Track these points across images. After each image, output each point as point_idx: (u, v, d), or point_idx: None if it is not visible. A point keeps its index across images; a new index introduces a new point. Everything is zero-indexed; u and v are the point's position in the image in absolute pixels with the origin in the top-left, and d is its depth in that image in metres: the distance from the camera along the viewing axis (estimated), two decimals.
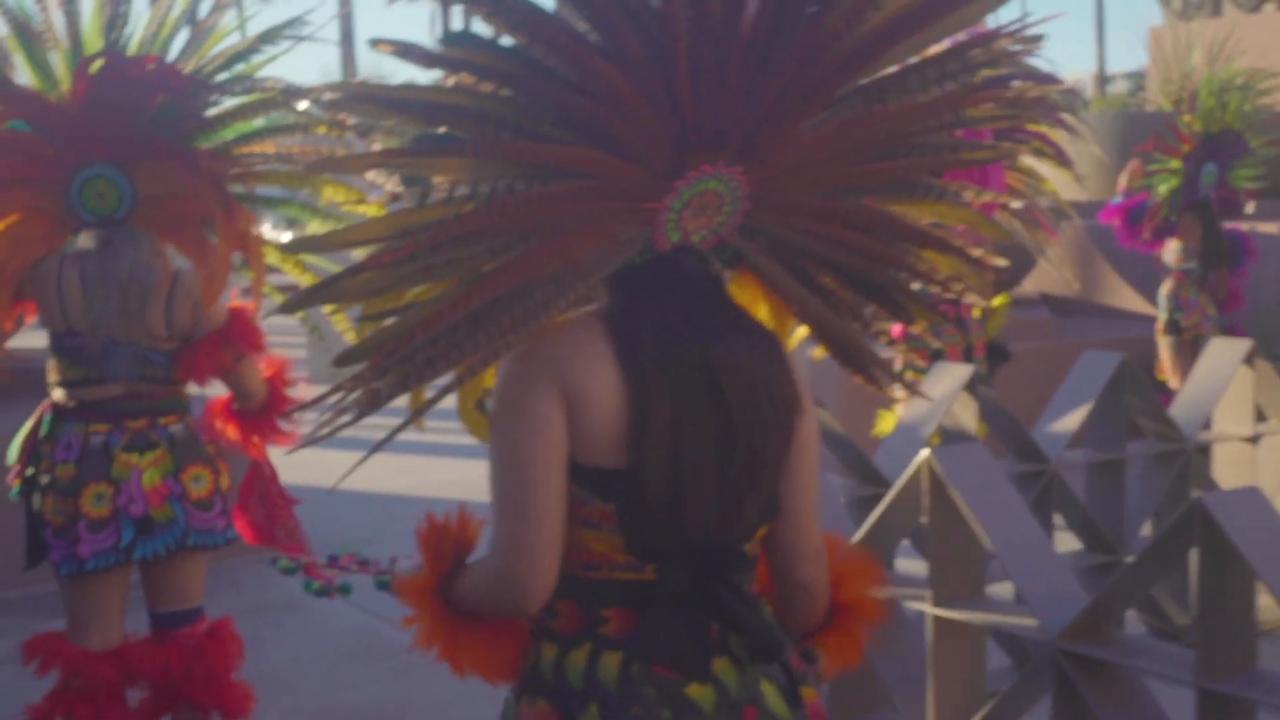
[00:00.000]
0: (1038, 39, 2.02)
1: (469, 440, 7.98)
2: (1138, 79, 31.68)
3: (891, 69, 1.96)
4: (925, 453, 3.55)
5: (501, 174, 1.84)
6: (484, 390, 2.04)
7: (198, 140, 3.74)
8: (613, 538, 1.93)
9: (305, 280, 4.02)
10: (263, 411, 3.92)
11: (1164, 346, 7.61)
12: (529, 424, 1.90)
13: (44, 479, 3.69)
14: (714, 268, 2.05)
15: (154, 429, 3.74)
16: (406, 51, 1.79)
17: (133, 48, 3.76)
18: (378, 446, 1.91)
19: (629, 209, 1.91)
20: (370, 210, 3.85)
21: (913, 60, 1.97)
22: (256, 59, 3.77)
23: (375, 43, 1.76)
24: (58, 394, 3.76)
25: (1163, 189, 7.42)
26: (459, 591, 2.01)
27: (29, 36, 3.71)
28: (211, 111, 3.76)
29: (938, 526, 3.49)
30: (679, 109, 1.86)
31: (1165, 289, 7.59)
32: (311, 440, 1.92)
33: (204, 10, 3.87)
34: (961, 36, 2.04)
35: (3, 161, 3.65)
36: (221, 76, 3.79)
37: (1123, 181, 7.85)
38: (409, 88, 1.82)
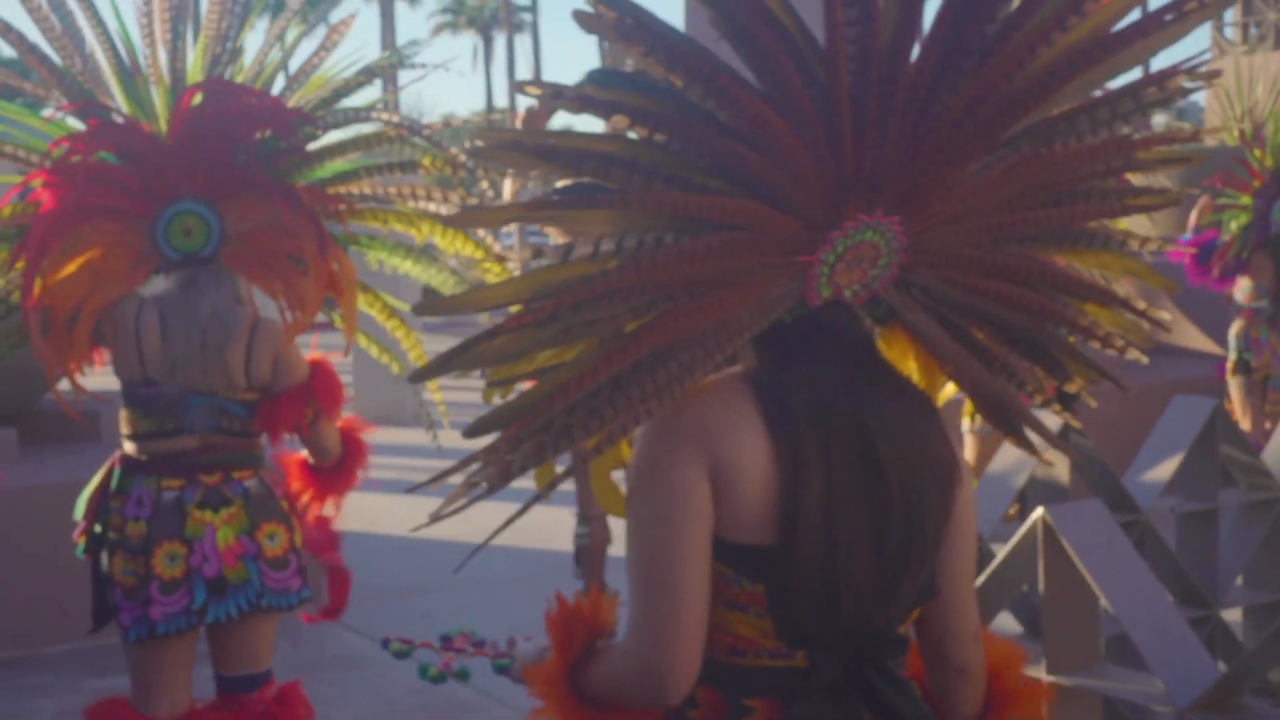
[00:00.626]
0: (1215, 75, 1.86)
1: (520, 484, 7.74)
2: (1189, 113, 31.45)
3: (1058, 109, 1.80)
4: (1040, 511, 3.36)
5: (650, 226, 1.69)
6: (619, 460, 1.89)
7: (295, 176, 3.61)
8: (760, 621, 1.78)
9: (390, 326, 3.89)
10: (338, 469, 3.75)
11: (1234, 387, 7.42)
12: (672, 497, 1.74)
13: (113, 536, 3.53)
14: (864, 325, 1.89)
15: (228, 484, 3.57)
16: (558, 94, 1.65)
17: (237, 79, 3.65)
18: (522, 511, 1.76)
19: (781, 263, 1.76)
20: (470, 250, 3.76)
21: (1080, 100, 1.81)
22: (361, 95, 3.68)
23: (523, 85, 1.62)
24: (129, 446, 3.60)
25: (1233, 225, 7.26)
26: (592, 680, 1.86)
27: (130, 71, 3.58)
28: (312, 146, 3.63)
29: (1052, 588, 3.30)
30: (838, 156, 1.71)
31: (1235, 328, 7.42)
32: (437, 518, 1.77)
33: (308, 49, 3.78)
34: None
35: (90, 191, 3.48)
36: (323, 113, 3.68)
37: (1193, 218, 7.67)
38: (557, 134, 1.68)
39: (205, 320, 3.51)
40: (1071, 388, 2.01)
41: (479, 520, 7.88)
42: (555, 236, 5.73)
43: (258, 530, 3.57)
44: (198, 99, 3.52)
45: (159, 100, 3.60)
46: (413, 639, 2.29)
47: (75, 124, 3.64)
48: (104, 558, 3.56)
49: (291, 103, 3.69)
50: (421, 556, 7.42)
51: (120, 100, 3.61)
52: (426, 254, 3.83)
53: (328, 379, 3.70)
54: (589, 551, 5.84)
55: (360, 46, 4.11)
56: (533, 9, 59.33)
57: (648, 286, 1.68)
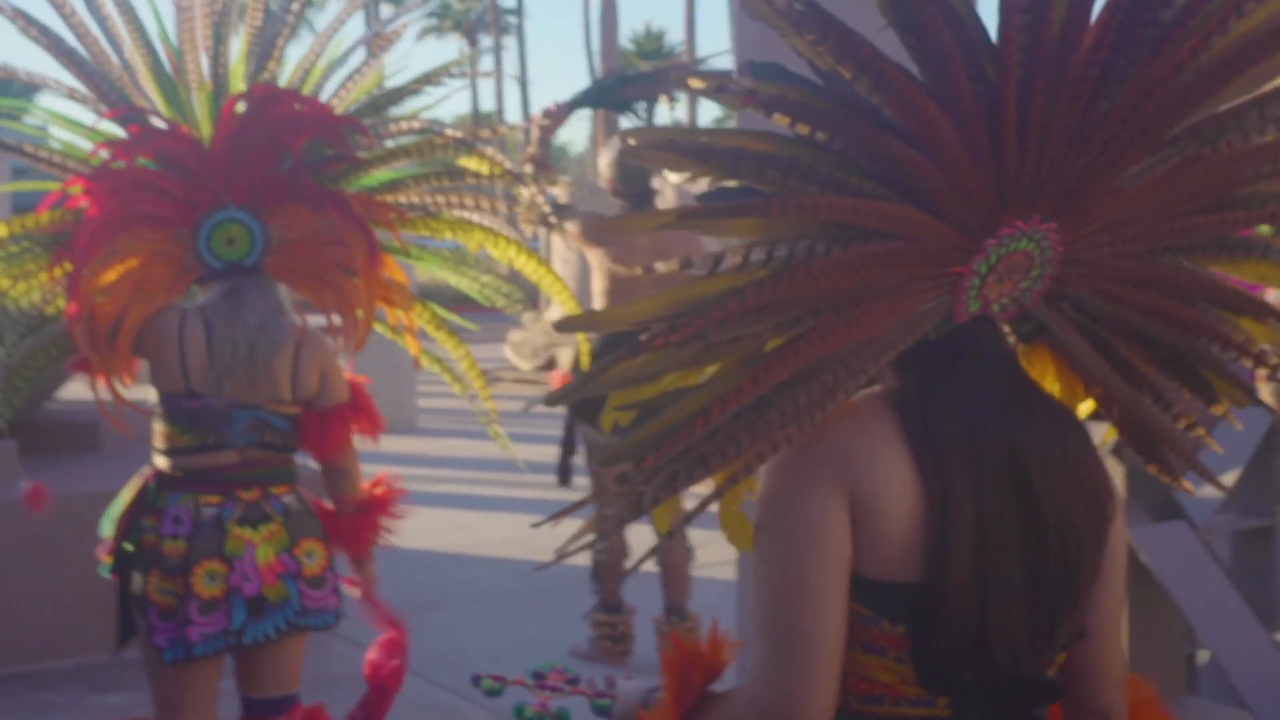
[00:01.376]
0: None
1: (527, 494, 7.68)
2: None
3: (1226, 105, 1.64)
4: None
5: (802, 234, 1.53)
6: (747, 488, 1.72)
7: (343, 184, 3.49)
8: (900, 666, 1.62)
9: (440, 338, 3.73)
10: (361, 518, 3.60)
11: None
12: (808, 531, 1.59)
13: (147, 555, 3.38)
14: (1008, 343, 1.73)
15: (267, 500, 3.44)
16: (721, 88, 1.50)
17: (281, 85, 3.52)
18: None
19: (932, 274, 1.61)
20: (523, 260, 3.60)
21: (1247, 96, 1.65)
22: (411, 101, 3.54)
23: (688, 78, 1.47)
24: (163, 462, 3.45)
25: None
26: None
27: (170, 75, 3.45)
28: (362, 154, 3.51)
29: (1137, 616, 3.13)
30: (999, 157, 1.57)
31: None
32: (563, 556, 1.60)
33: (359, 54, 3.65)
34: None
35: (131, 198, 3.34)
36: (372, 119, 3.56)
37: None
38: (712, 132, 1.51)
39: (252, 331, 3.38)
40: (1218, 410, 1.84)
41: (481, 532, 7.83)
42: (580, 244, 5.60)
43: (297, 547, 3.44)
44: (241, 105, 3.40)
45: (200, 106, 3.48)
46: (504, 675, 2.13)
47: (113, 130, 3.49)
48: (135, 577, 3.41)
49: (342, 106, 3.57)
50: (428, 571, 7.29)
51: (159, 106, 3.48)
52: (480, 264, 3.68)
53: (366, 401, 3.59)
54: (606, 567, 5.68)
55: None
56: (518, 12, 59.20)
57: (798, 301, 1.53)
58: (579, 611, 6.45)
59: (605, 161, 5.62)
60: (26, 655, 5.72)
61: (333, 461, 3.54)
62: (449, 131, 3.58)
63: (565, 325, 1.57)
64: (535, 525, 1.84)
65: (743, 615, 3.89)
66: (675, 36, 65.60)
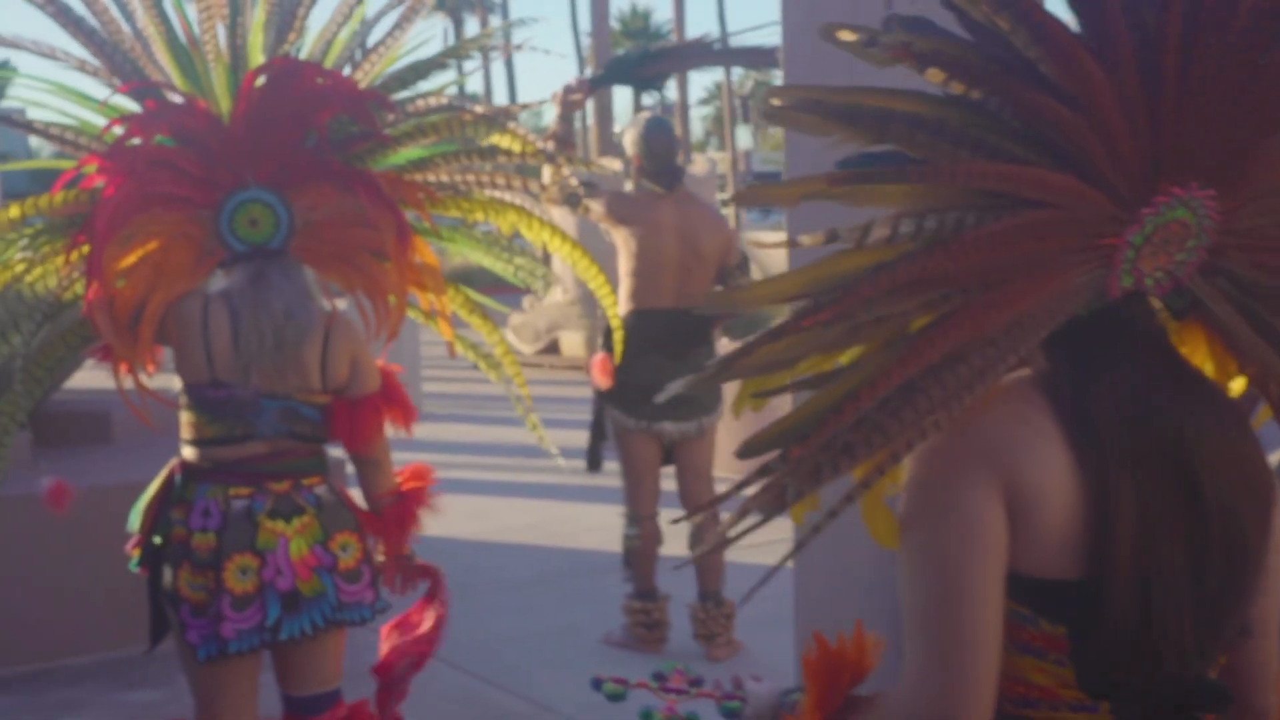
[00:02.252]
0: None
1: (541, 479, 7.53)
2: None
3: None
4: None
5: (952, 204, 1.42)
6: (892, 481, 1.62)
7: (369, 162, 3.34)
8: (1059, 669, 1.52)
9: (473, 322, 3.62)
10: (395, 512, 3.46)
11: None
12: (961, 525, 1.48)
13: (176, 549, 3.26)
14: (1160, 320, 1.62)
15: (299, 492, 3.30)
16: (871, 42, 1.39)
17: (303, 58, 3.37)
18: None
19: (1084, 246, 1.49)
20: (557, 242, 3.48)
21: None
22: (439, 75, 3.41)
23: (832, 29, 1.36)
24: (190, 453, 3.32)
25: None
26: None
27: (186, 47, 3.30)
28: (390, 130, 3.35)
29: None
30: (1157, 117, 1.45)
31: None
32: (703, 555, 1.49)
33: (385, 24, 3.49)
34: None
35: (149, 177, 3.19)
36: (400, 95, 3.41)
37: None
38: (859, 91, 1.40)
39: (279, 317, 3.24)
40: None
41: (498, 519, 7.71)
42: (605, 224, 5.49)
43: (331, 540, 3.31)
44: (261, 79, 3.25)
45: (218, 80, 3.33)
46: (626, 678, 2.04)
47: (129, 106, 3.34)
48: (165, 572, 3.29)
49: (367, 80, 3.42)
50: (449, 558, 7.06)
51: (175, 79, 3.34)
52: (512, 246, 3.56)
53: (398, 389, 3.46)
54: (639, 554, 5.59)
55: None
56: None
57: (949, 276, 1.42)
58: (604, 597, 6.36)
59: (630, 139, 5.50)
60: (45, 652, 5.60)
61: (364, 452, 3.41)
62: (479, 108, 3.43)
63: (709, 306, 1.47)
64: (675, 522, 1.75)
65: (799, 603, 3.79)
66: (661, 15, 65.24)
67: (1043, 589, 1.50)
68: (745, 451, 1.46)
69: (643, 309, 5.40)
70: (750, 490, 1.48)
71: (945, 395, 1.45)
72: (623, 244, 5.44)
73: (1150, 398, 1.52)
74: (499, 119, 3.40)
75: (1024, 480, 1.48)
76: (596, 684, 2.07)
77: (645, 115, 5.56)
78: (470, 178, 3.43)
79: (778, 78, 5.26)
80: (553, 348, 15.24)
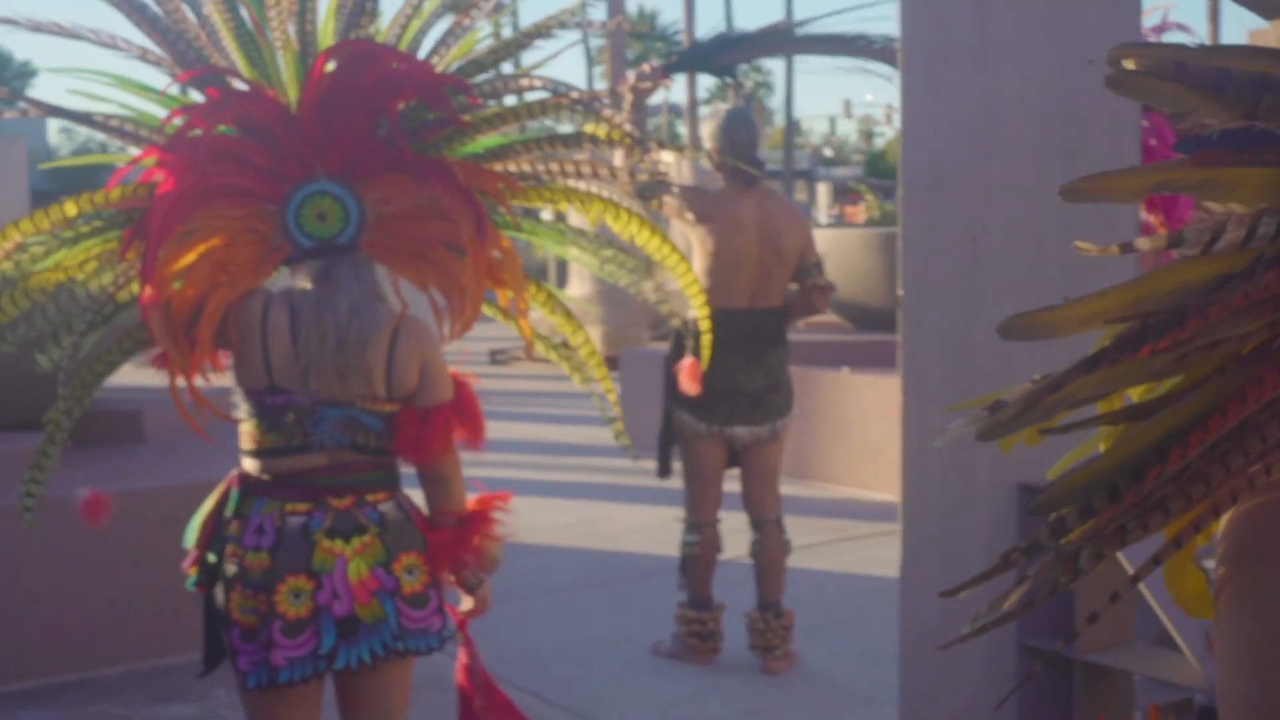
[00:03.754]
0: None
1: (576, 478, 7.28)
2: None
3: None
4: None
5: None
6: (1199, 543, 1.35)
7: (445, 151, 3.12)
8: None
9: (557, 321, 3.39)
10: (459, 533, 3.19)
11: None
12: None
13: (230, 568, 3.04)
14: None
15: (361, 509, 3.07)
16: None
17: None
18: None
19: None
20: (646, 235, 3.26)
21: None
22: (524, 57, 3.17)
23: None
24: (248, 465, 3.11)
25: None
26: None
27: (252, 33, 3.08)
28: (468, 117, 3.13)
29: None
30: None
31: None
32: (980, 630, 1.25)
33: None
34: None
35: (211, 169, 2.99)
36: (480, 79, 3.19)
37: None
38: (1233, 52, 1.13)
39: (343, 318, 3.02)
40: None
41: (531, 519, 7.38)
42: (679, 220, 5.27)
43: (395, 562, 3.07)
44: (331, 65, 3.05)
45: (285, 67, 3.12)
46: None
47: (190, 95, 3.14)
48: (218, 592, 3.07)
49: (444, 64, 3.21)
50: None
51: (241, 66, 3.13)
52: (599, 238, 3.35)
53: (472, 400, 3.20)
54: (698, 562, 5.38)
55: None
56: None
57: None
58: (650, 603, 6.16)
59: (709, 131, 5.28)
60: (76, 662, 5.39)
61: (431, 467, 3.15)
62: (573, 93, 3.21)
63: (1014, 330, 1.19)
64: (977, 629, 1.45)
65: (906, 628, 3.59)
66: (668, 17, 64.69)
67: None
68: (1040, 507, 1.20)
69: (717, 309, 5.18)
70: (1026, 556, 1.22)
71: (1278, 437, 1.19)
72: (698, 241, 5.22)
73: None
74: (594, 104, 3.19)
75: None
76: None
77: (726, 106, 5.35)
78: (553, 166, 3.21)
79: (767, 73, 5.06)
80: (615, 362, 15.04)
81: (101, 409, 6.76)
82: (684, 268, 3.36)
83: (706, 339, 3.79)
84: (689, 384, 4.99)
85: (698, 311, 3.57)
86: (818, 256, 5.31)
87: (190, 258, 2.99)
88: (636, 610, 6.18)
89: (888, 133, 51.69)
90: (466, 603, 3.24)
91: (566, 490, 8.62)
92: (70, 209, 2.94)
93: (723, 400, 5.18)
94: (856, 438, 8.25)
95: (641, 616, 6.04)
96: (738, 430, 5.23)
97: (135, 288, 3.03)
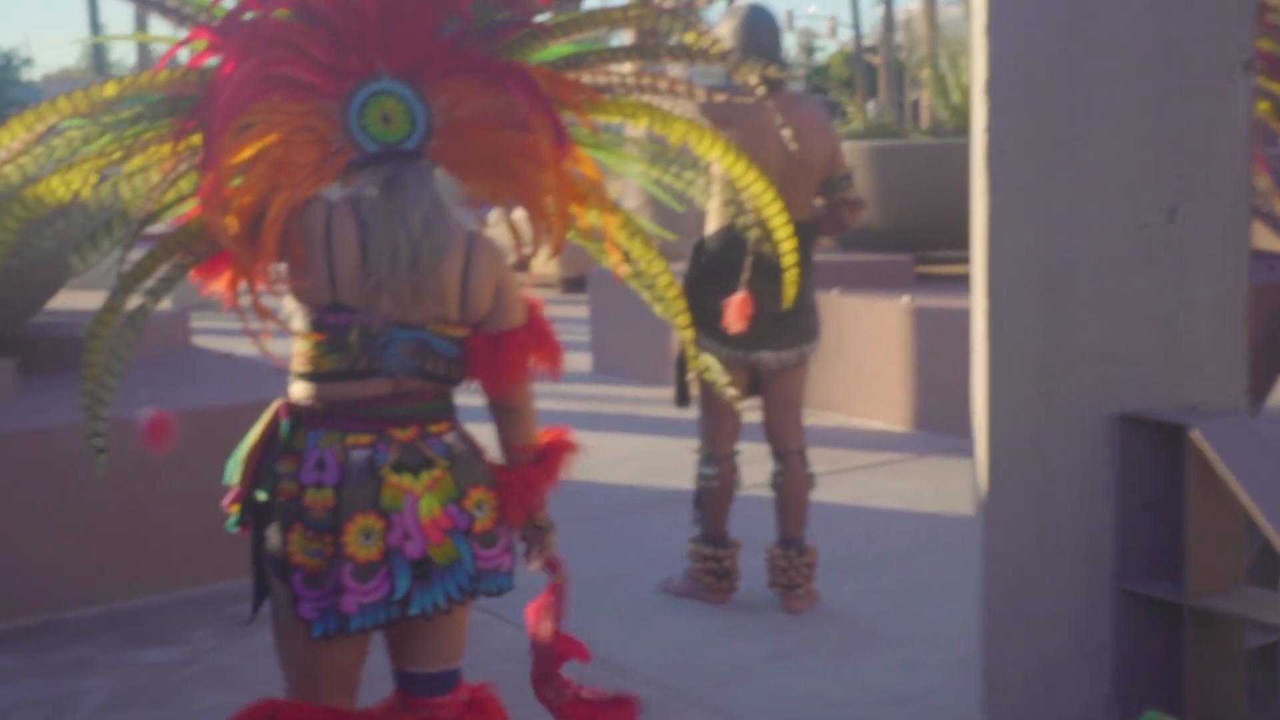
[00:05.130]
0: None
1: (553, 406, 6.86)
2: None
3: None
4: None
5: None
6: None
7: (519, 55, 2.79)
8: None
9: (635, 249, 3.05)
10: (535, 469, 2.91)
11: None
12: None
13: (286, 508, 2.71)
14: None
15: (426, 440, 2.76)
16: None
17: None
18: None
19: None
20: (730, 160, 2.94)
21: None
22: None
23: None
24: (300, 391, 2.77)
25: None
26: None
27: None
28: (544, 18, 2.81)
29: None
30: None
31: None
32: None
33: None
34: None
35: (270, 55, 2.64)
36: None
37: None
38: None
39: (416, 232, 2.70)
40: None
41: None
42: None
43: (465, 498, 2.77)
44: None
45: None
46: None
47: None
48: (272, 534, 2.75)
49: None
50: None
51: None
52: (681, 159, 3.03)
53: (544, 325, 2.90)
54: (715, 495, 5.06)
55: None
56: None
57: None
58: (650, 538, 5.91)
59: (728, 30, 4.89)
60: (48, 602, 5.01)
61: (505, 398, 2.87)
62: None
63: None
64: None
65: (991, 565, 3.29)
66: None
67: None
68: None
69: (737, 224, 4.84)
70: None
71: None
72: None
73: None
74: (690, 13, 2.84)
75: None
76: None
77: (744, 3, 4.96)
78: (632, 80, 2.90)
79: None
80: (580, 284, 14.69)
81: (56, 334, 6.33)
82: (770, 196, 3.03)
83: (792, 273, 3.37)
84: (736, 321, 4.64)
85: (782, 242, 3.18)
86: (847, 168, 4.96)
87: (246, 154, 2.64)
88: (637, 546, 5.89)
89: (830, 46, 51.25)
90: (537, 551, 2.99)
91: (544, 418, 8.29)
92: (110, 90, 2.58)
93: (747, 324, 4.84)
94: (852, 364, 7.96)
95: (644, 553, 5.74)
96: (764, 355, 4.90)
97: (186, 184, 2.69)
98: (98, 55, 35.62)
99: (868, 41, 21.91)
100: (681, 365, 4.99)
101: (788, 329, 4.89)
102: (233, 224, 2.62)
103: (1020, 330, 3.22)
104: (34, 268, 3.35)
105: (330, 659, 2.82)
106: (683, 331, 3.18)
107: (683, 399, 5.05)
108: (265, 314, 2.75)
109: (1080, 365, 3.25)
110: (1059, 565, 3.29)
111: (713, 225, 4.89)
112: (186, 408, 5.34)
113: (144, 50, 18.95)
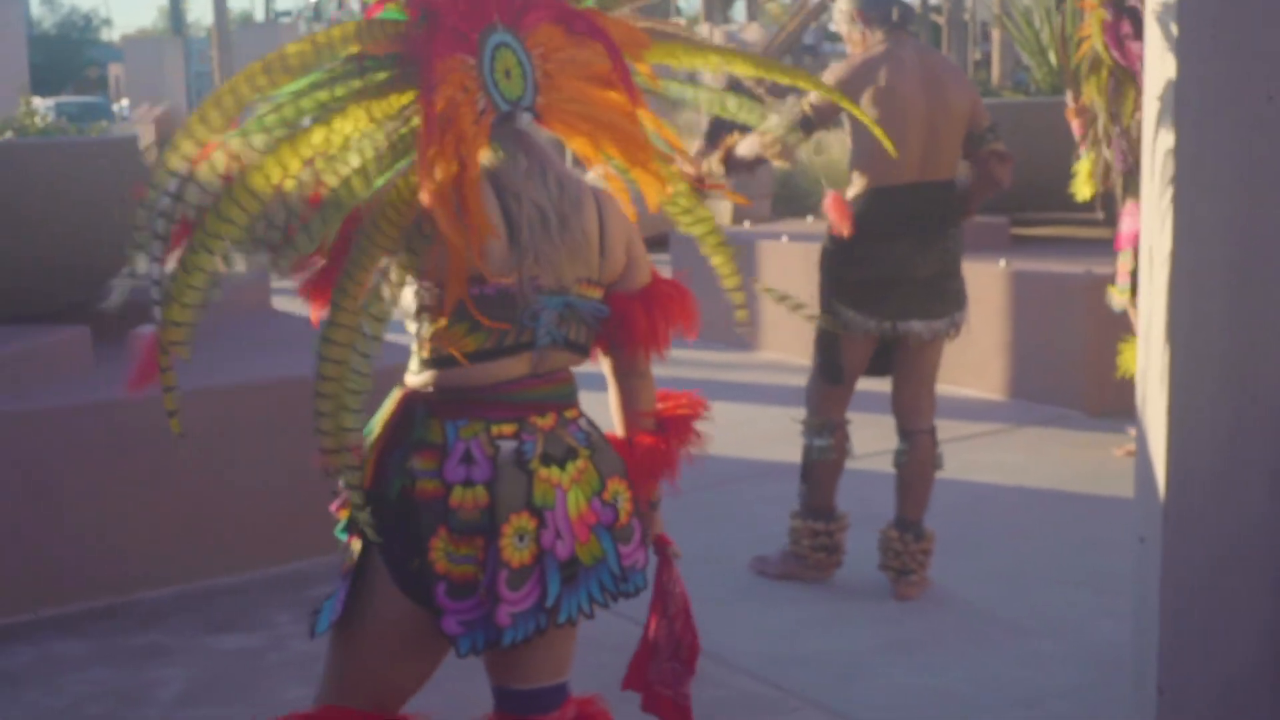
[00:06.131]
0: None
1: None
2: None
3: None
4: None
5: None
6: None
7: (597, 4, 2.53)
8: None
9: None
10: (660, 440, 2.66)
11: None
12: None
13: (427, 510, 2.40)
14: None
15: (565, 428, 2.50)
16: None
17: None
18: None
19: None
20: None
21: None
22: None
23: None
24: (429, 377, 2.47)
25: None
26: None
27: None
28: None
29: None
30: None
31: None
32: None
33: None
34: None
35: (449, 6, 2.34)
36: None
37: None
38: None
39: (554, 190, 2.45)
40: None
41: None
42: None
43: (604, 490, 2.51)
44: None
45: None
46: None
47: None
48: (406, 540, 2.42)
49: None
50: None
51: None
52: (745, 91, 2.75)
53: (678, 284, 2.66)
54: (827, 468, 4.74)
55: None
56: None
57: None
58: (739, 514, 5.66)
59: None
60: (118, 584, 4.76)
61: (635, 362, 2.63)
62: None
63: None
64: None
65: (1168, 570, 2.95)
66: None
67: None
68: None
69: (882, 186, 4.50)
70: None
71: None
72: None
73: None
74: None
75: None
76: None
77: None
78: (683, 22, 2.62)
79: None
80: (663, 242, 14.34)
81: (131, 300, 6.03)
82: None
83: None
84: (839, 219, 4.37)
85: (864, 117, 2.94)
86: (990, 120, 4.61)
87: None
88: (726, 523, 5.59)
89: None
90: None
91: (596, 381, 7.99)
92: (305, 45, 2.21)
93: (893, 291, 4.51)
94: None
95: (732, 530, 5.46)
96: (913, 325, 4.57)
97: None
98: (175, 15, 35.27)
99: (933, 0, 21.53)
100: (825, 335, 4.67)
101: (937, 297, 4.58)
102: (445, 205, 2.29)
103: (1215, 306, 2.88)
104: (113, 229, 2.95)
105: (414, 670, 2.58)
106: (733, 294, 2.86)
107: (837, 374, 4.71)
108: (463, 295, 2.38)
109: (1275, 351, 2.92)
110: (1249, 572, 2.96)
111: (858, 188, 4.56)
112: (268, 378, 5.08)
113: (221, 6, 18.31)
